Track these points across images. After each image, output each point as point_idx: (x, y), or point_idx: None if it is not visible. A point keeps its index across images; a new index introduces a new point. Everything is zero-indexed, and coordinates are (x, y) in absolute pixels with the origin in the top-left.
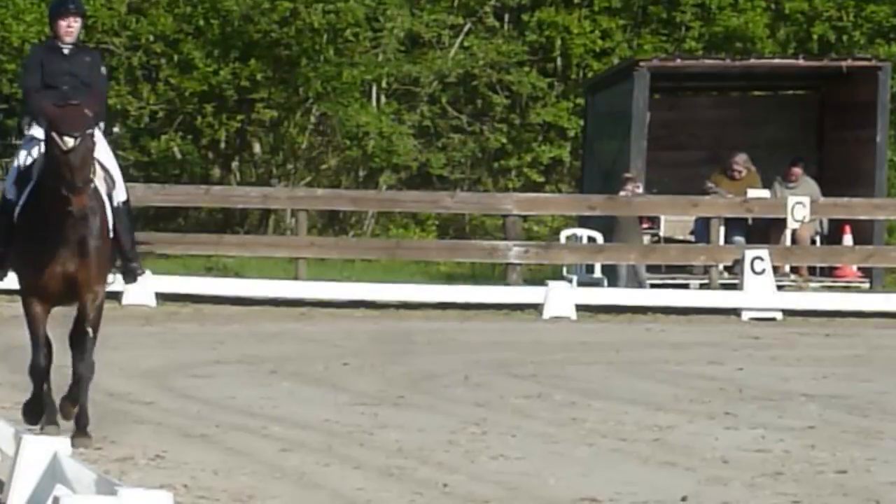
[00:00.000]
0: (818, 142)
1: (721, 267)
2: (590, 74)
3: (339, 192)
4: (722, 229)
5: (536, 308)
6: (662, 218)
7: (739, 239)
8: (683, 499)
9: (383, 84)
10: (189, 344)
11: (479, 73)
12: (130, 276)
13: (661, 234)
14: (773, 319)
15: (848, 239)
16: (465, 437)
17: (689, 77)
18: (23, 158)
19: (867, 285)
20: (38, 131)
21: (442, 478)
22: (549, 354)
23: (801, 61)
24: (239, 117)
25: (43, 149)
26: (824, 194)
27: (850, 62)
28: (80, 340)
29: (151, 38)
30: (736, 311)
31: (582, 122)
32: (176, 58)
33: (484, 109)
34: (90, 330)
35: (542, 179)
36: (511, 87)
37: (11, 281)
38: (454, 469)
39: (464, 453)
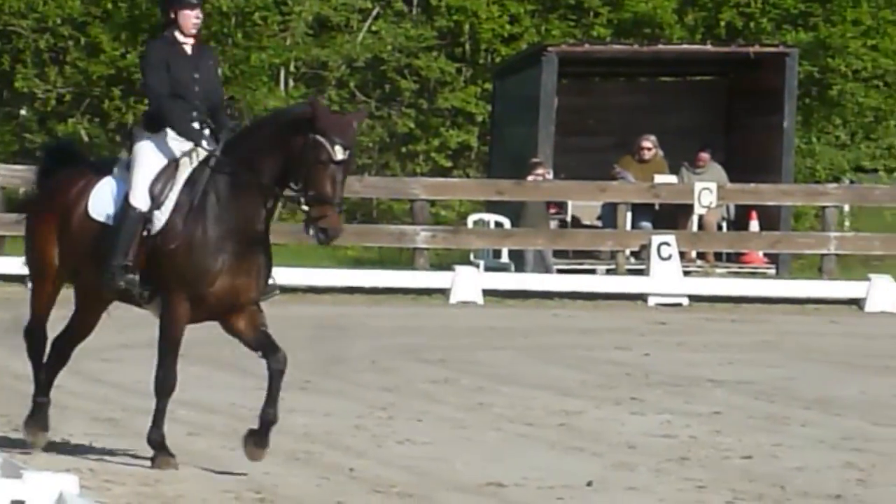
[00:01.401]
0: (726, 128)
1: (628, 252)
2: (498, 60)
3: None
4: (629, 215)
5: (444, 293)
6: (570, 203)
7: (646, 224)
8: (589, 483)
9: (291, 68)
10: (97, 327)
11: (387, 58)
12: None
13: (569, 219)
14: (680, 305)
15: (754, 225)
16: (372, 422)
17: (598, 63)
18: (152, 167)
19: (773, 271)
20: (155, 137)
21: (349, 462)
22: (457, 339)
23: (709, 47)
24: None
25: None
26: (732, 180)
27: (757, 48)
28: (272, 342)
29: (59, 20)
30: (643, 297)
31: (490, 108)
32: (83, 41)
33: (392, 94)
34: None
35: (449, 164)
36: (419, 72)
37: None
38: (361, 454)
39: (371, 438)
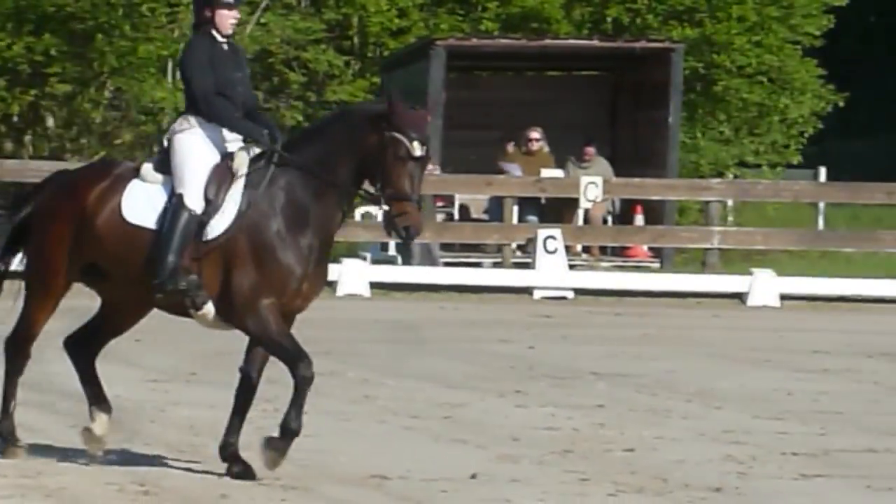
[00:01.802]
0: (611, 122)
1: (514, 246)
2: (386, 53)
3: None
4: (515, 208)
5: (331, 285)
6: (457, 196)
7: (532, 218)
8: (473, 476)
9: None
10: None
11: (275, 50)
12: None
13: (456, 212)
14: (565, 298)
15: (639, 219)
16: (256, 414)
17: (485, 57)
18: (203, 167)
19: (658, 265)
20: (198, 133)
21: None
22: (343, 332)
23: (595, 42)
24: (32, 91)
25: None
26: (617, 174)
27: (643, 44)
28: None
29: None
30: (528, 290)
31: None
32: None
33: (280, 86)
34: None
35: None
36: (308, 65)
37: None
38: (246, 446)
39: (255, 430)
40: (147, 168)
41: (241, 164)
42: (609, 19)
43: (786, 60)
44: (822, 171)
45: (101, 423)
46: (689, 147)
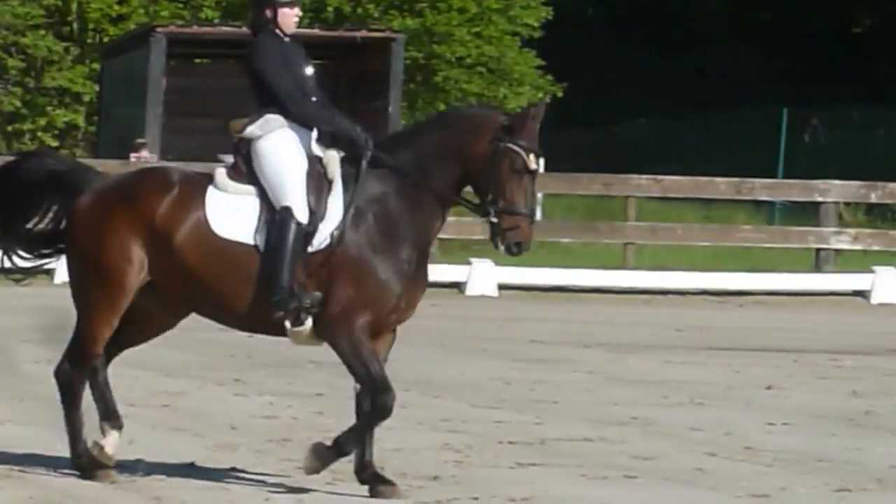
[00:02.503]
0: None
1: None
2: (106, 39)
3: None
4: None
5: (48, 273)
6: None
7: None
8: (191, 464)
9: None
10: None
11: None
12: None
13: None
14: None
15: None
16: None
17: (206, 44)
18: (300, 173)
19: None
20: (283, 137)
21: None
22: (61, 319)
23: (316, 31)
24: None
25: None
26: None
27: (364, 33)
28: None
29: None
30: None
31: (98, 88)
32: None
33: None
34: None
35: (56, 144)
36: (26, 50)
37: None
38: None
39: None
40: (223, 175)
41: (334, 167)
42: (330, 8)
43: (505, 51)
44: (541, 161)
45: (112, 441)
46: None
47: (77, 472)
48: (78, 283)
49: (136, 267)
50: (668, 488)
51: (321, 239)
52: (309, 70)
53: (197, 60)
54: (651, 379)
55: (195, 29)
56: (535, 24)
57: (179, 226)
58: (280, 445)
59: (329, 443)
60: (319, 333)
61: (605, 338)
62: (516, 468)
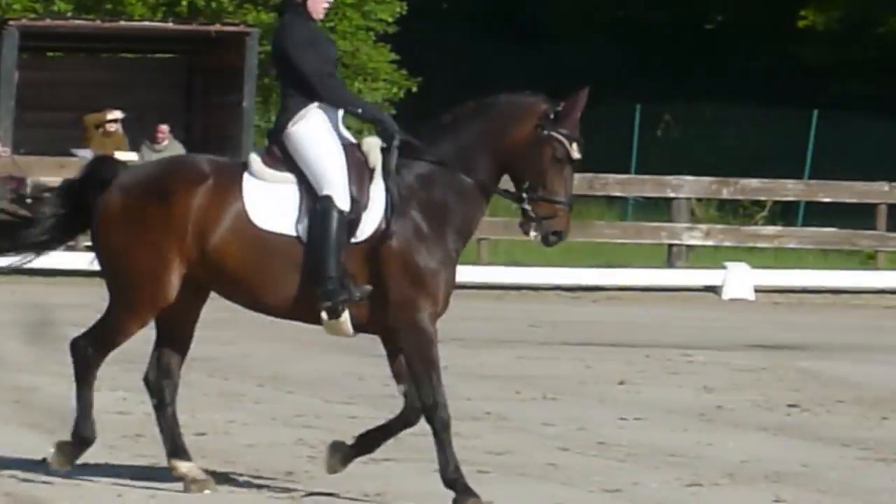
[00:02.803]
0: (187, 106)
1: None
2: None
3: None
4: None
5: None
6: (28, 179)
7: None
8: (43, 460)
9: None
10: None
11: None
12: None
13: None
14: None
15: None
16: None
17: (59, 37)
18: (340, 160)
19: None
20: (319, 123)
21: None
22: None
23: (170, 25)
24: None
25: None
26: None
27: (218, 28)
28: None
29: None
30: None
31: None
32: None
33: None
34: None
35: None
36: None
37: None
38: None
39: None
40: (257, 162)
41: (374, 154)
42: (185, 2)
43: (359, 46)
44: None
45: (186, 469)
46: (263, 131)
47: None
48: (113, 280)
49: (174, 265)
50: (520, 483)
51: (366, 229)
52: (334, 53)
53: (49, 54)
54: (504, 374)
55: (48, 22)
56: (390, 20)
57: (217, 218)
58: (133, 441)
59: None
60: (377, 328)
61: (458, 333)
62: (370, 463)
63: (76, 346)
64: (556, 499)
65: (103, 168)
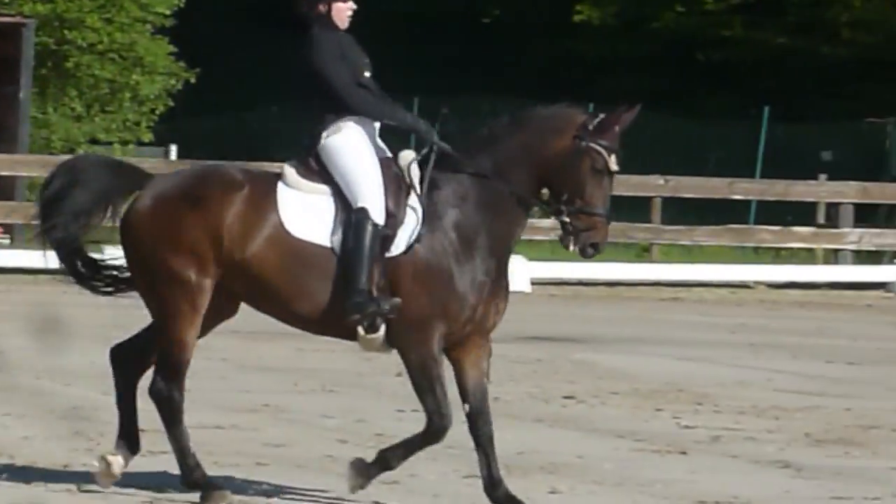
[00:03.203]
0: None
1: None
2: None
3: None
4: None
5: None
6: None
7: None
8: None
9: None
10: None
11: None
12: None
13: None
14: None
15: None
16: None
17: None
18: (375, 172)
19: (8, 241)
20: (355, 134)
21: None
22: None
23: None
24: None
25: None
26: None
27: None
28: (486, 397)
29: None
30: None
31: None
32: None
33: None
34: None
35: None
36: None
37: None
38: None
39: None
40: (293, 173)
41: (413, 169)
42: None
43: (137, 38)
44: (174, 148)
45: (120, 462)
46: (40, 123)
47: (193, 490)
48: (151, 292)
49: (210, 268)
50: (299, 475)
51: (401, 243)
52: (366, 60)
53: None
54: (283, 366)
55: None
56: (167, 13)
57: (253, 227)
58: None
59: (370, 459)
60: (391, 341)
61: (237, 325)
62: (147, 456)
63: (157, 392)
64: (336, 492)
65: (130, 177)
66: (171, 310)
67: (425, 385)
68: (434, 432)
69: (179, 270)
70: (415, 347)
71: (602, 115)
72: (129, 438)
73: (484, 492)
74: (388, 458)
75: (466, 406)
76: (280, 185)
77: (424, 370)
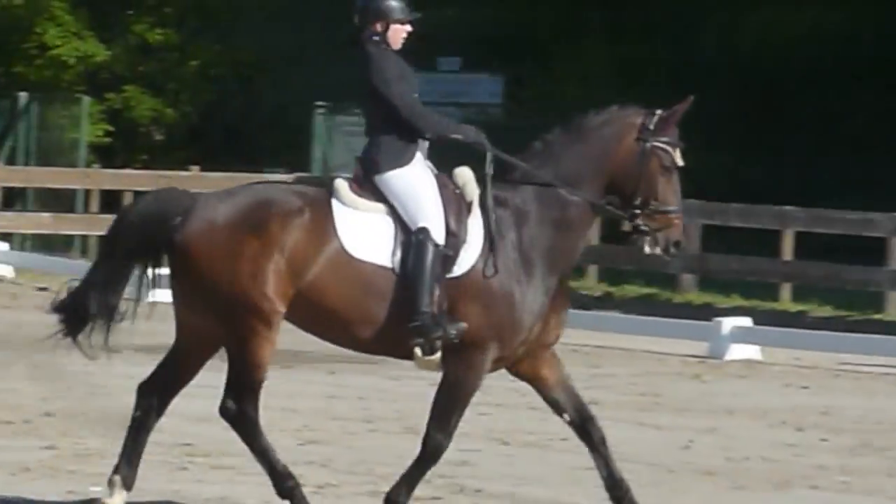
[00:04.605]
0: None
1: None
2: None
3: None
4: None
5: None
6: None
7: None
8: None
9: None
10: None
11: None
12: None
13: None
14: None
15: None
16: None
17: None
18: (435, 192)
19: None
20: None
21: None
22: None
23: None
24: None
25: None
26: None
27: None
28: (584, 403)
29: None
30: None
31: None
32: None
33: None
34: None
35: None
36: None
37: None
38: None
39: None
40: (347, 191)
41: (470, 187)
42: None
43: None
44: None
45: (119, 497)
46: None
47: (286, 499)
48: (216, 315)
49: (279, 293)
50: None
51: (464, 264)
52: (415, 81)
53: None
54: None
55: None
56: None
57: (316, 250)
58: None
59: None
60: (426, 362)
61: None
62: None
63: (228, 412)
64: None
65: (176, 201)
66: (242, 332)
67: (457, 406)
68: (432, 453)
69: (246, 296)
70: (463, 368)
71: (659, 112)
72: (130, 468)
73: (607, 492)
74: (396, 499)
75: (566, 416)
76: (335, 203)
77: (463, 391)
